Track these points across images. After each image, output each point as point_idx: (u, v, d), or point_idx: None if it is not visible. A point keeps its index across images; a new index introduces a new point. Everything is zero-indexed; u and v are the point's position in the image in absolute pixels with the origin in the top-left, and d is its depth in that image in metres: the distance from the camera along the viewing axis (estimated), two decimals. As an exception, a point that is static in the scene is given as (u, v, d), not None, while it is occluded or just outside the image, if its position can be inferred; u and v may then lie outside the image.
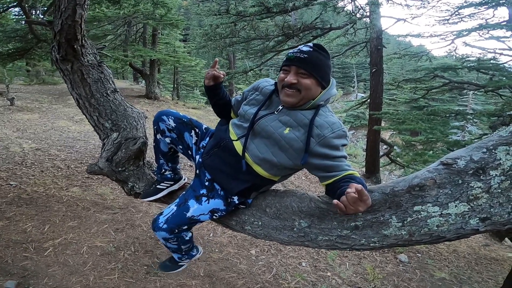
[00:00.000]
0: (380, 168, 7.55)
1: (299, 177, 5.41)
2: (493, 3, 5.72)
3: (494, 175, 0.79)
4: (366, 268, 2.90)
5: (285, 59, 1.07)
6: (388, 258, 3.26)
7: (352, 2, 5.98)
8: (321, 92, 1.06)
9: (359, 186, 0.76)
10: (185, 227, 1.23)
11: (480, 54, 6.72)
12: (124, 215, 2.87)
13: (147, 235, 2.65)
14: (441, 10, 6.55)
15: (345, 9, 5.96)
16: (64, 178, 3.35)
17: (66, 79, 1.36)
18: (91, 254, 2.24)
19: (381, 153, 7.94)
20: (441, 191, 0.84)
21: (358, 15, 6.22)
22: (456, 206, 0.82)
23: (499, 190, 0.79)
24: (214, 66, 1.22)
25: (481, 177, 0.80)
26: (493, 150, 0.79)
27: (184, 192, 1.29)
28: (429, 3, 6.55)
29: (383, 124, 7.88)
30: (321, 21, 6.41)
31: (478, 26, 5.58)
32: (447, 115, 5.12)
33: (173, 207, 1.22)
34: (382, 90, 7.36)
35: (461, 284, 2.94)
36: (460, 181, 0.82)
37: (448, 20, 6.70)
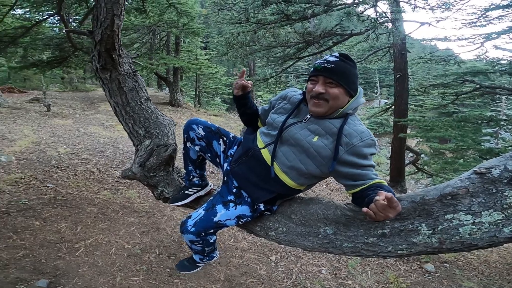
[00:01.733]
0: (406, 177, 7.27)
1: (320, 184, 5.34)
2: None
3: (530, 184, 0.76)
4: (388, 277, 2.80)
5: (312, 69, 1.09)
6: (413, 268, 3.13)
7: (374, 8, 5.91)
8: (349, 101, 1.07)
9: (389, 194, 0.76)
10: (211, 230, 1.27)
11: (512, 57, 6.38)
12: (150, 218, 2.98)
13: (171, 239, 2.73)
14: (467, 13, 6.29)
15: (368, 16, 5.89)
16: (95, 181, 3.55)
17: (105, 87, 1.47)
18: (119, 256, 2.33)
19: (406, 161, 7.65)
20: (474, 200, 0.82)
21: (380, 20, 6.13)
22: (489, 214, 0.80)
23: (537, 200, 0.76)
24: (242, 76, 1.27)
25: (517, 185, 0.77)
26: (529, 158, 0.77)
27: (211, 198, 1.34)
28: (454, 6, 6.32)
29: (408, 131, 7.61)
30: (341, 27, 6.37)
31: (507, 28, 5.30)
32: (479, 121, 4.85)
33: (201, 211, 1.26)
34: (408, 96, 7.14)
35: None
36: (494, 190, 0.80)
37: (475, 22, 6.43)
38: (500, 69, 5.47)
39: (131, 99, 1.45)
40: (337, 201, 1.13)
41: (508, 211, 0.79)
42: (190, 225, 1.24)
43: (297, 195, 1.27)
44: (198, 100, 16.34)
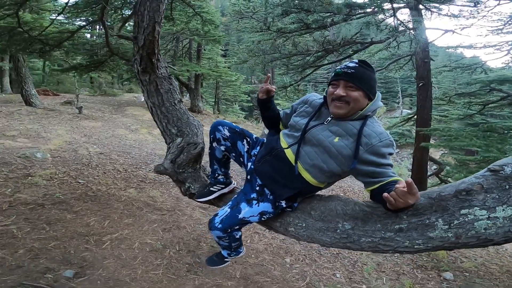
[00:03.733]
0: (428, 188, 7.03)
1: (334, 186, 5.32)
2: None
3: (543, 181, 0.79)
4: (404, 284, 2.75)
5: (333, 74, 1.17)
6: (430, 276, 3.06)
7: (394, 17, 5.88)
8: (368, 104, 1.14)
9: (409, 179, 0.82)
10: (237, 227, 1.36)
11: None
12: (171, 216, 3.11)
13: (191, 237, 2.84)
14: (493, 20, 6.13)
15: (387, 26, 5.87)
16: (122, 180, 3.76)
17: (144, 89, 1.62)
18: (141, 250, 2.46)
19: (429, 173, 7.40)
20: (488, 195, 0.85)
21: (400, 28, 6.08)
22: (503, 210, 0.83)
23: (552, 197, 0.79)
24: (267, 81, 1.37)
25: (530, 182, 0.80)
26: (541, 157, 0.80)
27: (236, 196, 1.43)
28: (478, 13, 6.17)
29: (432, 142, 7.38)
30: (361, 35, 6.38)
31: None
32: (505, 131, 4.66)
33: (226, 209, 1.35)
34: (431, 106, 6.94)
35: None
36: (507, 186, 0.83)
37: (502, 29, 6.23)
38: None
39: (166, 100, 1.59)
40: (355, 198, 1.18)
41: (523, 208, 0.82)
42: (217, 222, 1.33)
43: (317, 193, 1.33)
44: (217, 107, 16.71)
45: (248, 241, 3.02)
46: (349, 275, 2.80)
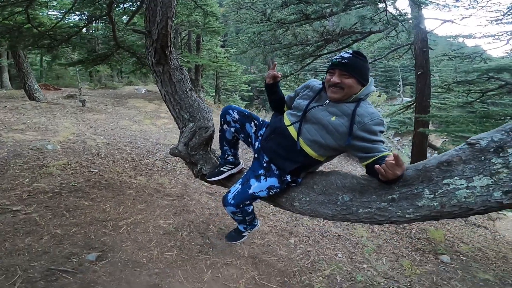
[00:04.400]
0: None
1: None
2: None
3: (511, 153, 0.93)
4: (403, 265, 2.93)
5: (330, 64, 1.33)
6: (428, 258, 3.23)
7: (386, 10, 5.89)
8: (361, 89, 1.29)
9: (396, 153, 0.97)
10: (248, 202, 1.52)
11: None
12: (180, 202, 3.28)
13: (200, 220, 3.01)
14: (491, 11, 6.19)
15: (380, 19, 5.90)
16: (131, 168, 3.92)
17: (158, 79, 1.75)
18: (156, 233, 2.61)
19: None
20: (466, 166, 1.00)
21: (400, 18, 6.13)
22: (480, 179, 0.98)
23: (519, 166, 0.93)
24: (274, 68, 1.52)
25: (501, 154, 0.95)
26: (510, 132, 0.94)
27: (245, 173, 1.59)
28: (478, 3, 6.21)
29: (432, 129, 7.52)
30: (360, 24, 6.43)
31: None
32: (502, 117, 4.79)
33: (238, 185, 1.51)
34: (430, 93, 7.07)
35: (504, 286, 2.82)
36: (482, 158, 0.98)
37: (501, 20, 6.28)
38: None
39: (179, 89, 1.72)
40: (353, 172, 1.33)
41: (496, 177, 0.96)
42: (230, 198, 1.49)
43: (318, 169, 1.49)
44: (218, 97, 16.76)
45: (254, 224, 3.20)
46: (350, 255, 2.97)
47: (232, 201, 1.49)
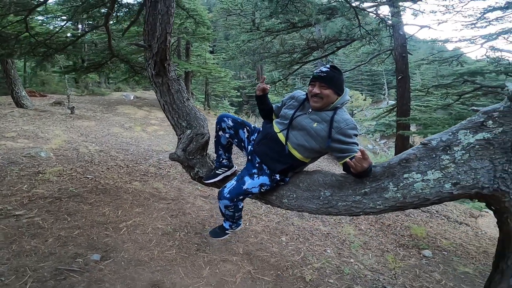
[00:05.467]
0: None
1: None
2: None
3: (457, 150, 1.17)
4: (388, 259, 3.16)
5: (311, 77, 1.56)
6: (411, 253, 3.48)
7: (360, 27, 6.21)
8: (337, 99, 1.52)
9: (362, 149, 1.19)
10: (241, 197, 1.70)
11: (511, 57, 6.65)
12: (176, 205, 3.42)
13: (196, 221, 3.16)
14: (465, 16, 6.61)
15: (359, 30, 6.23)
16: (126, 174, 4.03)
17: (157, 89, 1.92)
18: (155, 234, 2.75)
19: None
20: (421, 162, 1.23)
21: (380, 25, 6.49)
22: (432, 173, 1.20)
23: (462, 161, 1.17)
24: (263, 81, 1.73)
25: (448, 152, 1.18)
26: (456, 133, 1.18)
27: (240, 172, 1.78)
28: (454, 9, 6.64)
29: (415, 130, 7.90)
30: (346, 31, 6.77)
31: (501, 30, 5.59)
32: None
33: (233, 182, 1.70)
34: (409, 97, 7.47)
35: (484, 278, 3.07)
36: (434, 155, 1.21)
37: (475, 24, 6.72)
38: (496, 69, 5.76)
39: (177, 99, 1.90)
40: (332, 170, 1.54)
41: (445, 171, 1.19)
42: (226, 192, 1.68)
43: (304, 169, 1.70)
44: (207, 103, 16.87)
45: (247, 224, 3.37)
46: (338, 251, 3.18)
47: (228, 195, 1.68)
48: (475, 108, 1.23)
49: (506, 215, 1.23)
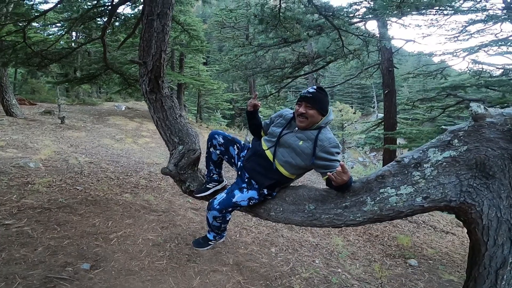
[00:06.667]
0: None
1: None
2: (497, 20, 5.90)
3: (426, 167, 1.29)
4: (375, 268, 3.25)
5: (299, 96, 1.67)
6: (398, 263, 3.57)
7: (343, 47, 6.43)
8: (321, 119, 1.63)
9: (342, 163, 1.29)
10: (230, 209, 1.78)
11: (491, 70, 6.86)
12: (167, 216, 3.45)
13: (187, 233, 3.19)
14: (447, 30, 6.85)
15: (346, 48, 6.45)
16: (116, 186, 4.04)
17: (151, 105, 2.00)
18: (145, 245, 2.76)
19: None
20: (395, 178, 1.35)
21: (362, 46, 6.76)
22: (405, 188, 1.32)
23: (431, 177, 1.29)
24: (255, 97, 1.83)
25: (419, 168, 1.30)
26: (426, 151, 1.31)
27: (230, 186, 1.86)
28: (438, 22, 6.85)
29: (405, 143, 8.11)
30: (334, 49, 7.03)
31: (481, 44, 5.84)
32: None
33: (223, 194, 1.78)
34: (396, 111, 7.73)
35: None
36: (406, 172, 1.33)
37: (457, 37, 6.94)
38: (476, 83, 6.04)
39: (170, 115, 1.98)
40: (316, 185, 1.64)
41: (416, 186, 1.31)
42: (216, 204, 1.75)
43: (290, 184, 1.79)
44: (200, 115, 16.94)
45: (238, 235, 3.42)
46: (327, 261, 3.25)
47: (217, 206, 1.75)
48: (444, 127, 1.35)
49: (474, 225, 1.34)
